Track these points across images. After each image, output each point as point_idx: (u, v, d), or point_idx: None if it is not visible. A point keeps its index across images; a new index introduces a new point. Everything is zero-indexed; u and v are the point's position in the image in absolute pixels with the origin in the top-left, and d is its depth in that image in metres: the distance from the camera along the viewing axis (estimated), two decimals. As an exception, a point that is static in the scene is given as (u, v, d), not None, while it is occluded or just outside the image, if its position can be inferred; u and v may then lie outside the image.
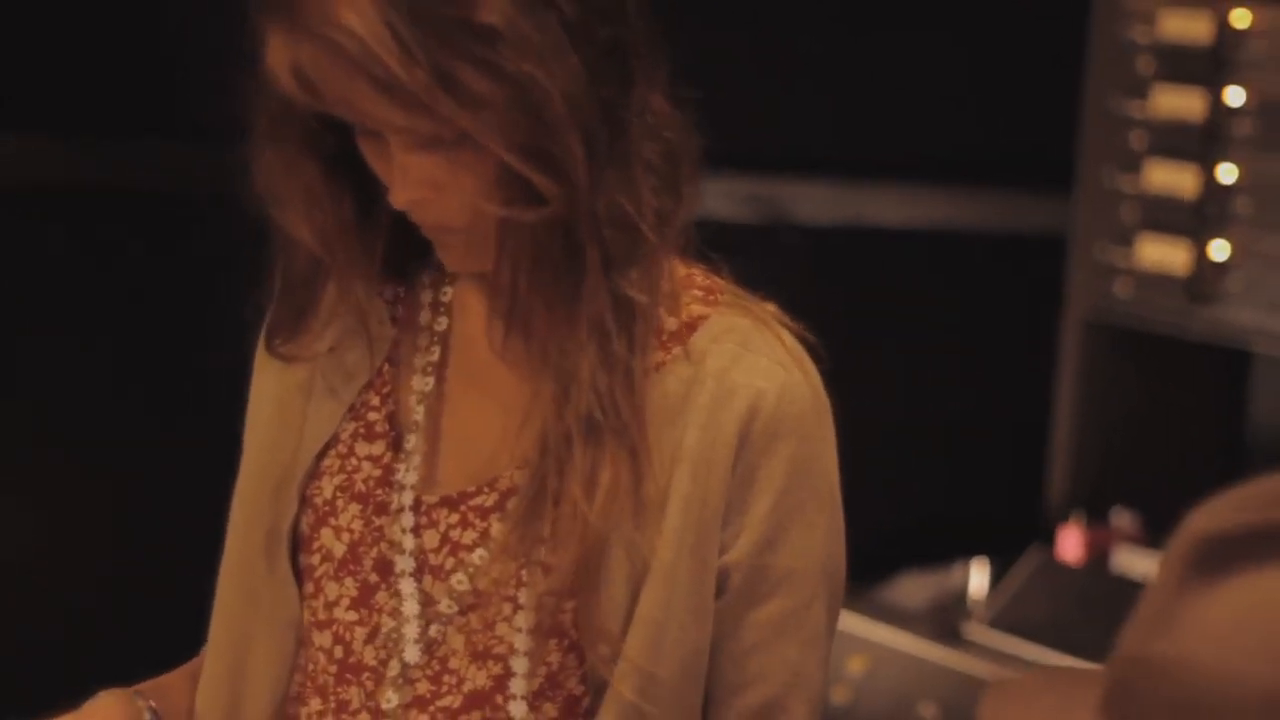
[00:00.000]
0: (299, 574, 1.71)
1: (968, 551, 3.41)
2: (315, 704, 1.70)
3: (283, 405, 1.73)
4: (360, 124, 1.55)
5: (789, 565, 1.65)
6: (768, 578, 1.65)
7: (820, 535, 1.67)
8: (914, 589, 3.33)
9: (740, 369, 1.64)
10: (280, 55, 1.52)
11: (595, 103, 1.54)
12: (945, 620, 3.27)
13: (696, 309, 1.67)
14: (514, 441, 1.65)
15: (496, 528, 1.64)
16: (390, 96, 1.49)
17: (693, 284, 1.69)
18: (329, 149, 1.62)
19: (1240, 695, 1.08)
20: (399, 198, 1.56)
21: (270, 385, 1.75)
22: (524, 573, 1.62)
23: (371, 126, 1.54)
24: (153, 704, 1.70)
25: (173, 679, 1.79)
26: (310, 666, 1.70)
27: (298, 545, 1.71)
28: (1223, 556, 1.11)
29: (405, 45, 1.46)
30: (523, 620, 1.62)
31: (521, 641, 1.62)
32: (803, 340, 1.69)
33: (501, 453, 1.66)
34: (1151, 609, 1.14)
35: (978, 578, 3.36)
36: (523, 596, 1.62)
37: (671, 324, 1.66)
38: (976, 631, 3.21)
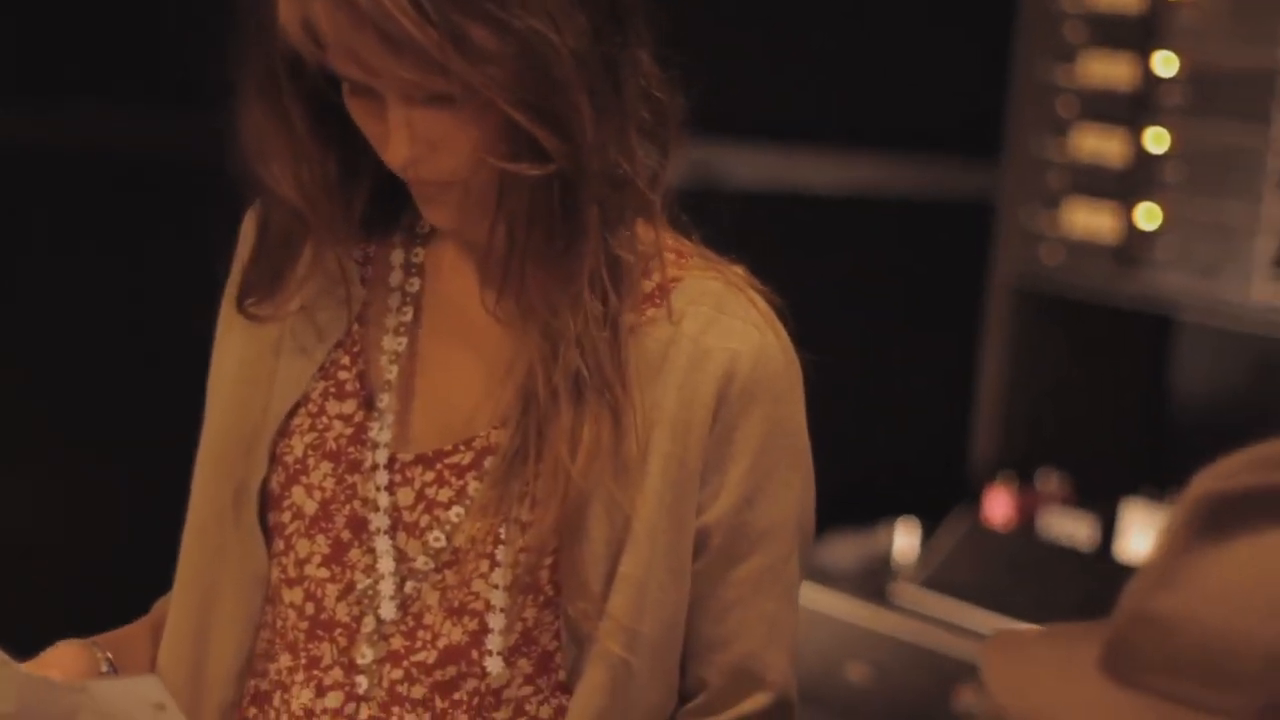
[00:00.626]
0: (267, 531, 1.72)
1: (894, 513, 3.44)
2: (285, 660, 1.70)
3: (251, 364, 1.73)
4: (360, 80, 1.55)
5: (767, 523, 1.68)
6: (747, 536, 1.68)
7: (795, 492, 1.70)
8: (842, 550, 3.36)
9: (715, 332, 1.67)
10: (292, 8, 1.53)
11: (599, 61, 1.56)
12: (874, 581, 3.31)
13: (670, 271, 1.69)
14: (491, 400, 1.67)
15: (474, 485, 1.65)
16: (400, 53, 1.49)
17: (664, 246, 1.70)
18: (318, 108, 1.62)
19: (1243, 654, 1.10)
20: (396, 155, 1.57)
21: (236, 345, 1.75)
22: (502, 530, 1.64)
23: (374, 83, 1.54)
24: (109, 655, 1.71)
25: (131, 632, 1.80)
26: (279, 623, 1.71)
27: (266, 503, 1.72)
28: (1229, 517, 1.13)
29: (418, 3, 1.47)
30: (500, 577, 1.64)
31: (498, 598, 1.64)
32: (771, 302, 1.72)
33: (478, 412, 1.68)
34: (1156, 566, 1.16)
35: (905, 539, 3.39)
36: (500, 553, 1.64)
37: (647, 286, 1.68)
38: (905, 592, 3.24)
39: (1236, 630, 1.11)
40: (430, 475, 1.67)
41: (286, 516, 1.71)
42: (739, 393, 1.66)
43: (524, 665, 1.66)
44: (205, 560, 1.74)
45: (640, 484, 1.63)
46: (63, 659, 1.67)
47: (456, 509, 1.66)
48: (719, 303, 1.68)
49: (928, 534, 3.39)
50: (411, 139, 1.56)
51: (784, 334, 1.70)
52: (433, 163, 1.58)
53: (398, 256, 1.74)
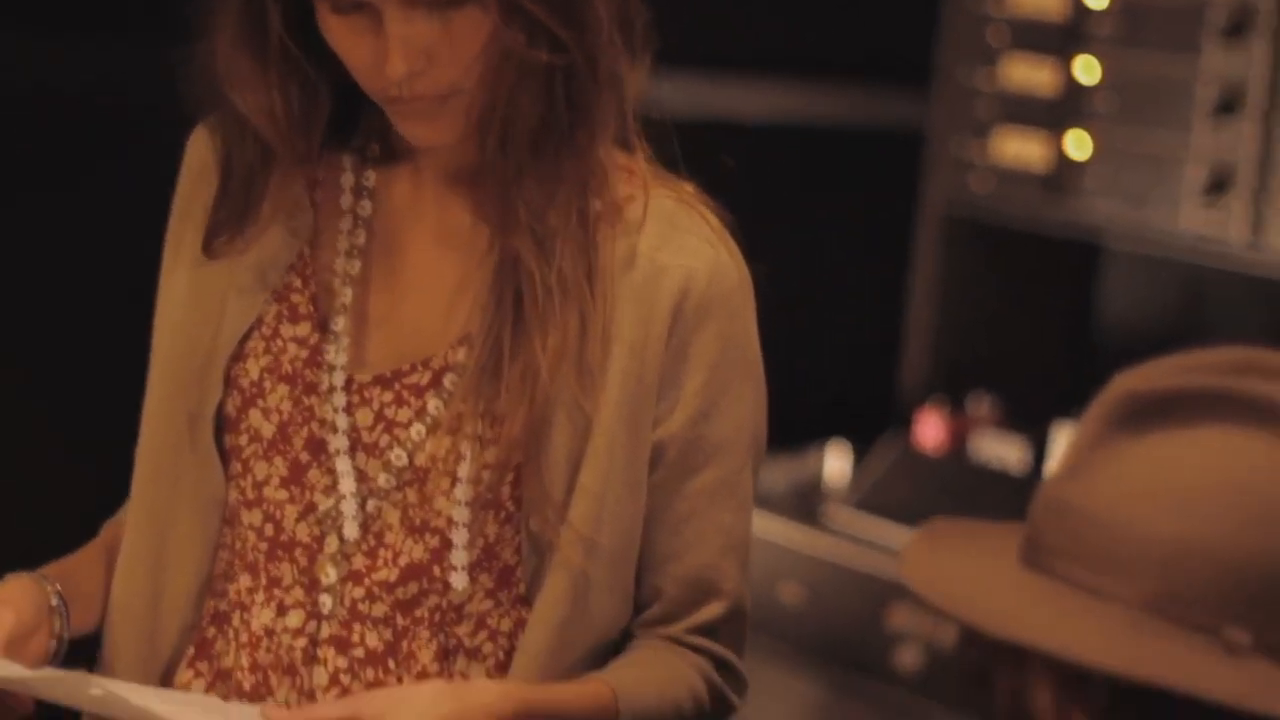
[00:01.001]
0: (224, 455, 1.73)
1: (824, 436, 3.47)
2: (245, 580, 1.72)
3: (200, 293, 1.74)
4: None
5: (722, 436, 1.71)
6: (702, 448, 1.71)
7: (749, 405, 1.74)
8: (773, 473, 3.39)
9: (670, 248, 1.69)
10: None
11: None
12: (805, 504, 3.34)
13: (623, 189, 1.71)
14: (448, 320, 1.69)
15: (433, 404, 1.68)
16: None
17: (615, 164, 1.72)
18: (287, 38, 1.64)
19: (1139, 544, 1.14)
20: (395, 69, 1.58)
21: (184, 278, 1.75)
22: (464, 447, 1.66)
23: None
24: (58, 588, 1.71)
25: (80, 560, 1.80)
26: (238, 544, 1.72)
27: (222, 427, 1.73)
28: (1145, 415, 1.17)
29: None
30: (462, 493, 1.66)
31: (460, 514, 1.66)
32: (721, 219, 1.75)
33: (434, 332, 1.70)
34: (1071, 458, 1.20)
35: (836, 462, 3.42)
36: (462, 470, 1.66)
37: (603, 201, 1.70)
38: (838, 515, 3.27)
39: (1136, 521, 1.15)
40: (389, 396, 1.69)
41: (243, 439, 1.72)
42: (694, 308, 1.69)
43: (485, 580, 1.68)
44: (160, 485, 1.74)
45: (600, 396, 1.66)
46: (13, 594, 1.67)
47: (417, 427, 1.68)
48: (672, 219, 1.71)
49: (858, 458, 3.42)
50: (410, 52, 1.58)
51: (736, 250, 1.73)
52: (430, 76, 1.60)
53: (347, 180, 1.75)
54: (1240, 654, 1.12)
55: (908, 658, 3.09)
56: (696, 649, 1.74)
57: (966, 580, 1.22)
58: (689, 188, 1.75)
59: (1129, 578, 1.15)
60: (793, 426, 3.58)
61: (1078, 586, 1.17)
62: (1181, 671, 1.11)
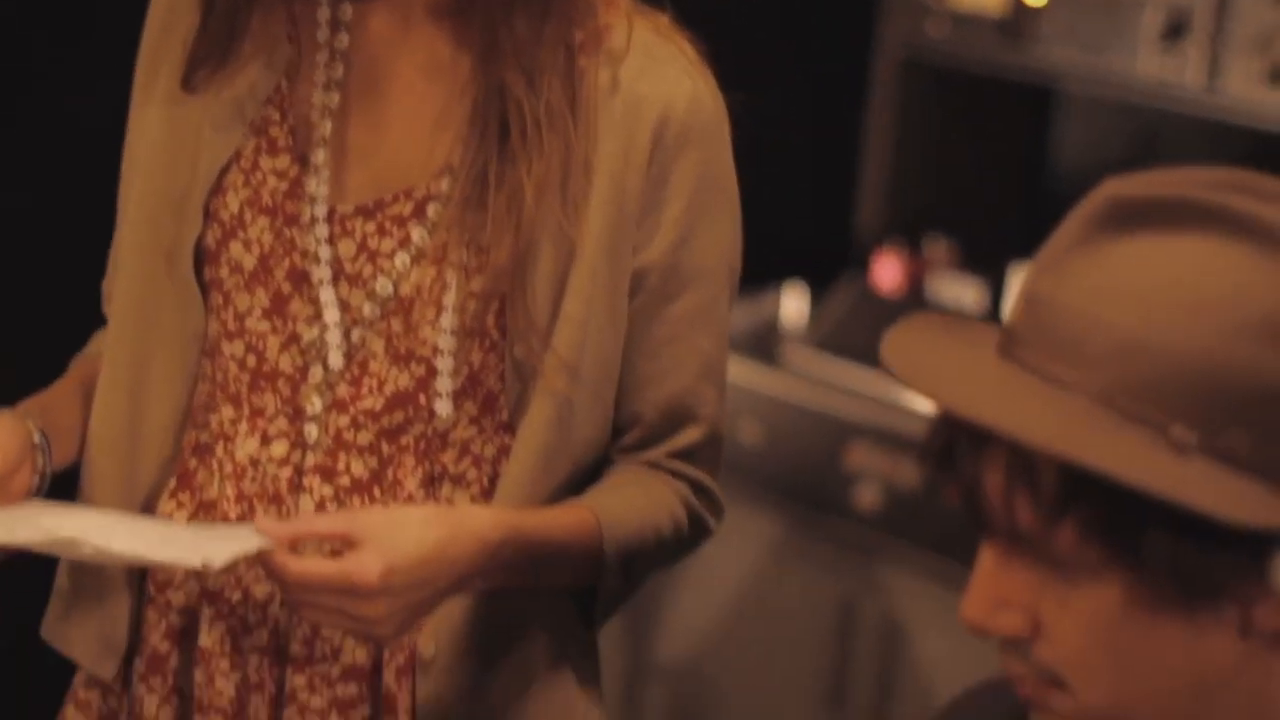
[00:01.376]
0: (203, 288, 1.74)
1: (782, 277, 3.49)
2: (228, 411, 1.74)
3: (175, 130, 1.74)
4: None
5: (700, 262, 1.75)
6: (681, 274, 1.74)
7: (726, 233, 1.77)
8: (731, 313, 3.41)
9: (648, 80, 1.71)
10: None
11: None
12: (764, 344, 3.37)
13: (602, 19, 1.72)
14: (429, 151, 1.70)
15: (417, 233, 1.69)
16: None
17: None
18: None
19: (1104, 338, 1.17)
20: None
21: (156, 119, 1.75)
22: (448, 275, 1.68)
23: None
24: (39, 423, 1.72)
25: (53, 398, 1.81)
26: (219, 376, 1.74)
27: (201, 260, 1.74)
28: (1125, 218, 1.20)
29: None
30: (447, 322, 1.68)
31: (446, 342, 1.68)
32: (697, 49, 1.76)
33: (415, 163, 1.71)
34: (1049, 253, 1.23)
35: (794, 303, 3.45)
36: (447, 299, 1.68)
37: (585, 31, 1.70)
38: (797, 355, 3.30)
39: (1101, 315, 1.17)
40: (371, 226, 1.70)
41: (224, 271, 1.73)
42: (674, 137, 1.71)
43: (469, 407, 1.71)
44: (138, 319, 1.75)
45: (583, 224, 1.68)
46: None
47: (401, 256, 1.69)
48: (650, 51, 1.72)
49: (816, 299, 3.44)
50: None
51: (712, 79, 1.75)
52: None
53: (324, 14, 1.74)
54: (1185, 452, 1.15)
55: (865, 496, 3.13)
56: (675, 473, 1.77)
57: (940, 364, 1.23)
58: (665, 19, 1.76)
59: (1088, 369, 1.17)
60: (750, 268, 3.59)
61: (1043, 376, 1.19)
62: (1123, 461, 1.13)
